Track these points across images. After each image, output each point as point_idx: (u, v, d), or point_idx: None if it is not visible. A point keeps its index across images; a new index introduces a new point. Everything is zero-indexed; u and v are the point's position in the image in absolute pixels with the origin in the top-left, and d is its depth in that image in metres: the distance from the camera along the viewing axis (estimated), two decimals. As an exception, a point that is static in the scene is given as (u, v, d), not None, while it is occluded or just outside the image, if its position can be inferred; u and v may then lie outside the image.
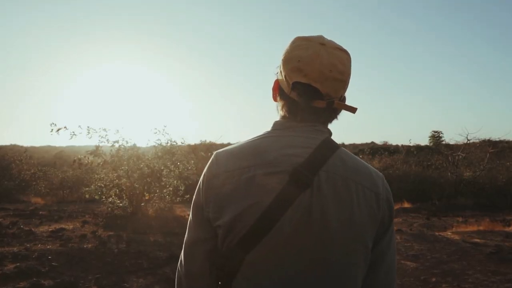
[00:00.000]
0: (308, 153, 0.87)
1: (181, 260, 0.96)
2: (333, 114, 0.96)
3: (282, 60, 0.93)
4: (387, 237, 0.93)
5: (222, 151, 0.94)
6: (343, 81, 0.90)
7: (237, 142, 0.97)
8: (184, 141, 10.25)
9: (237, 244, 0.84)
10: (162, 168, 9.13)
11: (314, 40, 0.91)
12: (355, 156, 0.94)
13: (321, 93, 0.88)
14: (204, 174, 0.93)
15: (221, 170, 0.89)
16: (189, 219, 0.96)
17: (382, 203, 0.90)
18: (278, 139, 0.91)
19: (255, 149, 0.90)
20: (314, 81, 0.87)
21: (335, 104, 0.90)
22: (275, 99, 1.00)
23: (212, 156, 0.95)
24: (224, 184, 0.87)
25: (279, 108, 0.98)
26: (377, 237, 0.90)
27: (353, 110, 0.92)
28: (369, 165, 0.95)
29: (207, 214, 0.89)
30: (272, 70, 1.01)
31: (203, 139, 20.95)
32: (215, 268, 0.89)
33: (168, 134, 9.64)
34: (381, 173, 0.95)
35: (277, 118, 0.99)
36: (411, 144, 22.88)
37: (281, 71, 0.94)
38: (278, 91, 0.97)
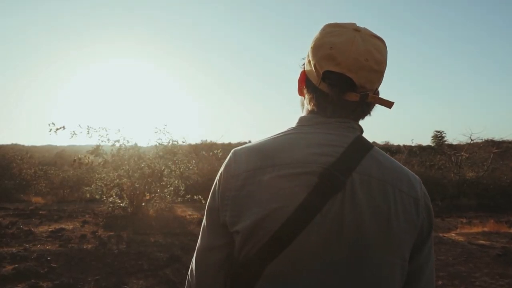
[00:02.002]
0: (339, 152, 0.78)
1: (191, 269, 0.86)
2: (366, 109, 0.86)
3: (312, 47, 0.83)
4: (426, 249, 0.83)
5: (241, 148, 0.85)
6: (380, 71, 0.81)
7: (249, 141, 0.87)
8: (185, 140, 10.17)
9: (256, 253, 0.75)
10: (163, 168, 9.06)
11: (348, 26, 0.83)
12: (390, 157, 0.85)
13: (355, 84, 0.79)
14: (221, 174, 0.84)
15: (241, 170, 0.80)
16: (202, 224, 0.87)
17: (421, 210, 0.81)
18: (305, 136, 0.82)
19: (279, 147, 0.80)
20: (348, 70, 0.78)
21: (369, 98, 0.79)
22: (300, 93, 0.91)
23: (230, 154, 0.85)
24: (244, 185, 0.78)
25: (306, 102, 0.88)
26: (415, 249, 0.81)
27: (389, 104, 0.81)
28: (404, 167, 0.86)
29: (224, 218, 0.80)
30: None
31: (204, 139, 20.89)
32: (230, 279, 0.80)
33: (169, 133, 9.58)
34: (417, 176, 0.86)
35: (302, 114, 0.90)
36: (413, 144, 22.79)
37: (309, 61, 0.84)
38: (305, 83, 0.87)
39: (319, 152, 0.78)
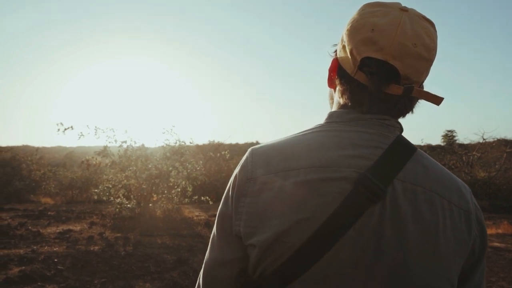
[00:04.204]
0: (377, 154, 0.66)
1: (199, 285, 0.76)
2: (408, 105, 0.71)
3: (348, 30, 0.70)
4: (478, 273, 0.71)
5: (260, 147, 0.73)
6: (429, 60, 0.68)
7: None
8: (193, 141, 10.14)
9: (275, 272, 0.64)
10: (170, 168, 9.03)
11: (392, 5, 0.70)
12: (436, 161, 0.73)
13: (398, 75, 0.66)
14: (236, 176, 0.72)
15: (259, 172, 0.68)
16: (212, 233, 0.76)
17: (474, 225, 0.69)
18: (337, 134, 0.69)
19: (305, 147, 0.68)
20: (391, 57, 0.65)
21: (414, 92, 0.66)
22: (330, 84, 0.78)
23: (247, 153, 0.73)
24: (263, 190, 0.66)
25: (337, 95, 0.75)
26: (465, 272, 0.69)
27: (438, 100, 0.68)
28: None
29: (237, 228, 0.69)
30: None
31: (212, 139, 20.89)
32: None
33: (176, 134, 9.56)
34: (466, 185, 0.74)
35: (331, 109, 0.78)
36: (422, 144, 22.49)
37: (344, 46, 0.71)
38: (337, 72, 0.73)
39: (354, 154, 0.66)
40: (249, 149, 0.74)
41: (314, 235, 0.62)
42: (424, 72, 0.69)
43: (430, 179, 0.67)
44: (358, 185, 0.63)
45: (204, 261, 0.75)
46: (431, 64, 0.69)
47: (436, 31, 0.70)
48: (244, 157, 0.73)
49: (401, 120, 0.74)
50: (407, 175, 0.66)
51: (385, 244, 0.62)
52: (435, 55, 0.69)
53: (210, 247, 0.75)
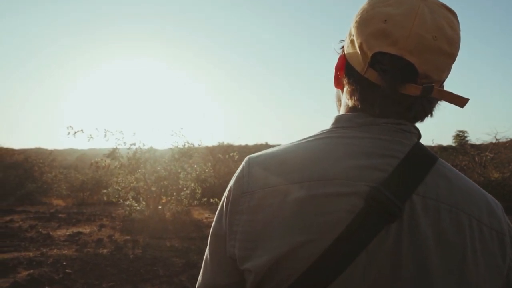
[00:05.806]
0: (392, 165, 0.58)
1: None
2: (427, 107, 0.62)
3: (357, 22, 0.61)
4: None
5: (259, 156, 0.65)
6: (452, 56, 0.59)
7: (276, 146, 0.65)
8: (202, 142, 10.13)
9: None
10: (179, 170, 9.03)
11: None
12: (460, 173, 0.64)
13: (416, 72, 0.57)
14: (230, 190, 0.64)
15: (257, 185, 0.60)
16: (205, 255, 0.68)
17: (508, 249, 0.59)
18: (345, 141, 0.61)
19: (309, 156, 0.60)
20: (408, 52, 0.56)
21: (434, 92, 0.58)
22: (337, 84, 0.69)
23: (243, 163, 0.65)
24: (261, 207, 0.58)
25: (346, 96, 0.66)
26: None
27: (462, 102, 0.58)
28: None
29: (232, 249, 0.61)
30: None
31: (221, 141, 20.88)
32: None
33: (184, 136, 9.58)
34: (497, 201, 0.65)
35: (339, 112, 0.70)
36: (433, 145, 22.16)
37: (352, 40, 0.62)
38: (345, 70, 0.65)
39: (365, 165, 0.58)
40: (246, 158, 0.66)
41: (320, 259, 0.54)
42: (445, 69, 0.60)
43: (455, 194, 0.59)
44: (370, 201, 0.55)
45: (197, 285, 0.68)
46: (453, 60, 0.60)
47: (458, 22, 0.62)
48: (240, 168, 0.65)
49: (418, 124, 0.66)
50: (428, 189, 0.57)
51: (402, 271, 0.55)
52: (459, 50, 0.61)
53: (203, 270, 0.68)
